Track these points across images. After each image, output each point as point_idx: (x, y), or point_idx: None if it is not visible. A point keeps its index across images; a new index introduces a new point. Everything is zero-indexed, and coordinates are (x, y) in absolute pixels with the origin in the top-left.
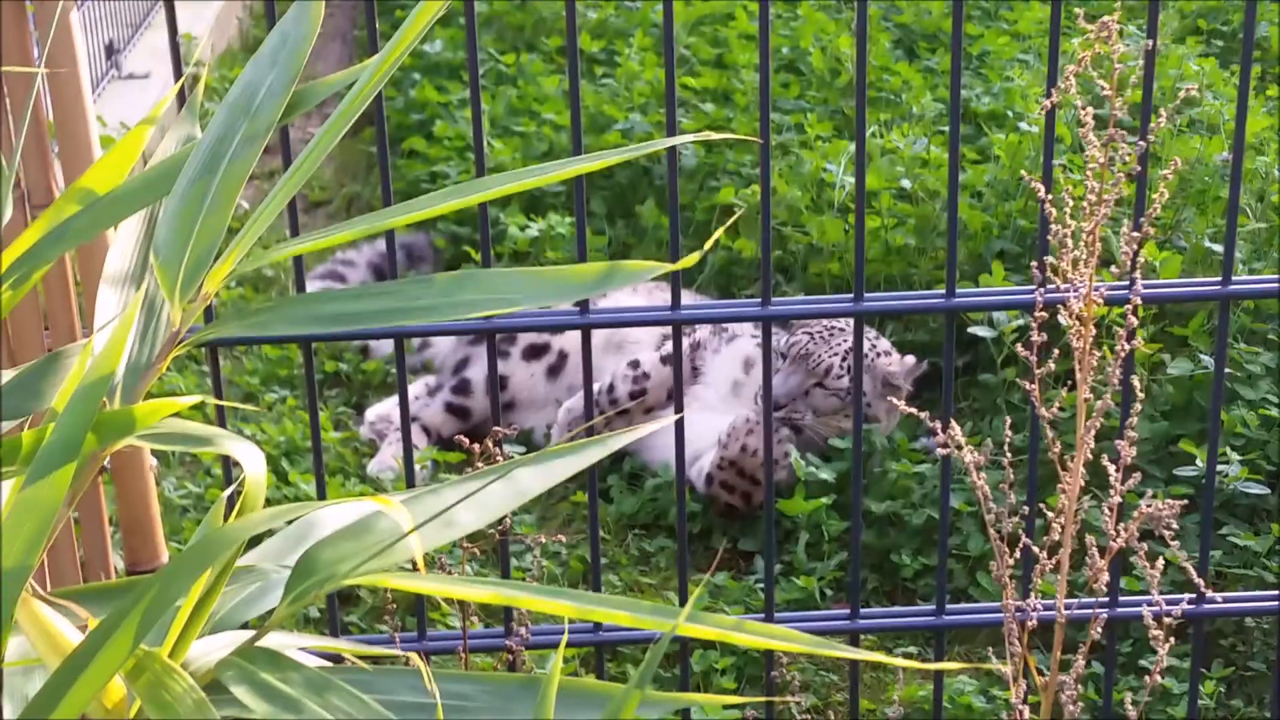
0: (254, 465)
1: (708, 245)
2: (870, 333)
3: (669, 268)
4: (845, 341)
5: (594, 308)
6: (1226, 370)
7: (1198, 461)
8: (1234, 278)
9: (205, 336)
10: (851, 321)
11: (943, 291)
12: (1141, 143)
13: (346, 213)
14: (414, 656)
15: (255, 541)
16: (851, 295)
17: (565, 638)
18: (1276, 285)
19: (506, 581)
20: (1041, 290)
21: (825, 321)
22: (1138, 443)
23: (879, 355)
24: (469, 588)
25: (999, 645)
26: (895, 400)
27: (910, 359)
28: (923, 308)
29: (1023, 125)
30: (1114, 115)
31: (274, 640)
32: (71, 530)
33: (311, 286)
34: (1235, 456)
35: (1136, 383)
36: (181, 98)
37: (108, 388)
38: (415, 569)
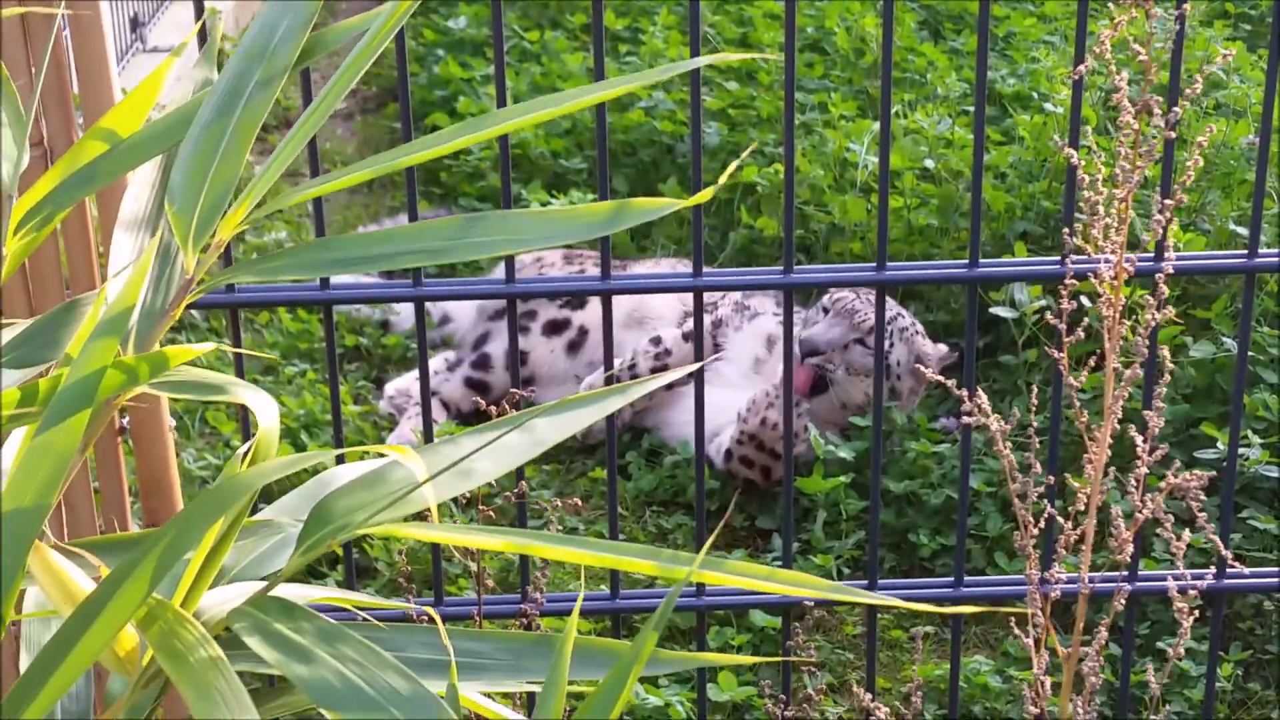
0: (268, 415)
1: (728, 173)
2: (908, 315)
3: (685, 203)
4: (890, 310)
5: (615, 274)
6: (1249, 354)
7: (1219, 444)
8: (1260, 251)
9: (219, 282)
10: (891, 301)
11: (966, 262)
12: (1174, 110)
13: (369, 189)
14: (430, 611)
15: (273, 498)
16: (874, 265)
17: (580, 598)
18: None
19: (520, 530)
20: (1070, 259)
21: (864, 291)
22: (1159, 425)
23: (917, 333)
24: (483, 536)
25: (1018, 626)
26: (922, 369)
27: (943, 347)
28: (945, 278)
29: (1048, 106)
30: (1148, 81)
31: (288, 592)
32: (90, 493)
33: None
34: (1256, 440)
35: (1165, 352)
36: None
37: (123, 331)
38: (432, 520)
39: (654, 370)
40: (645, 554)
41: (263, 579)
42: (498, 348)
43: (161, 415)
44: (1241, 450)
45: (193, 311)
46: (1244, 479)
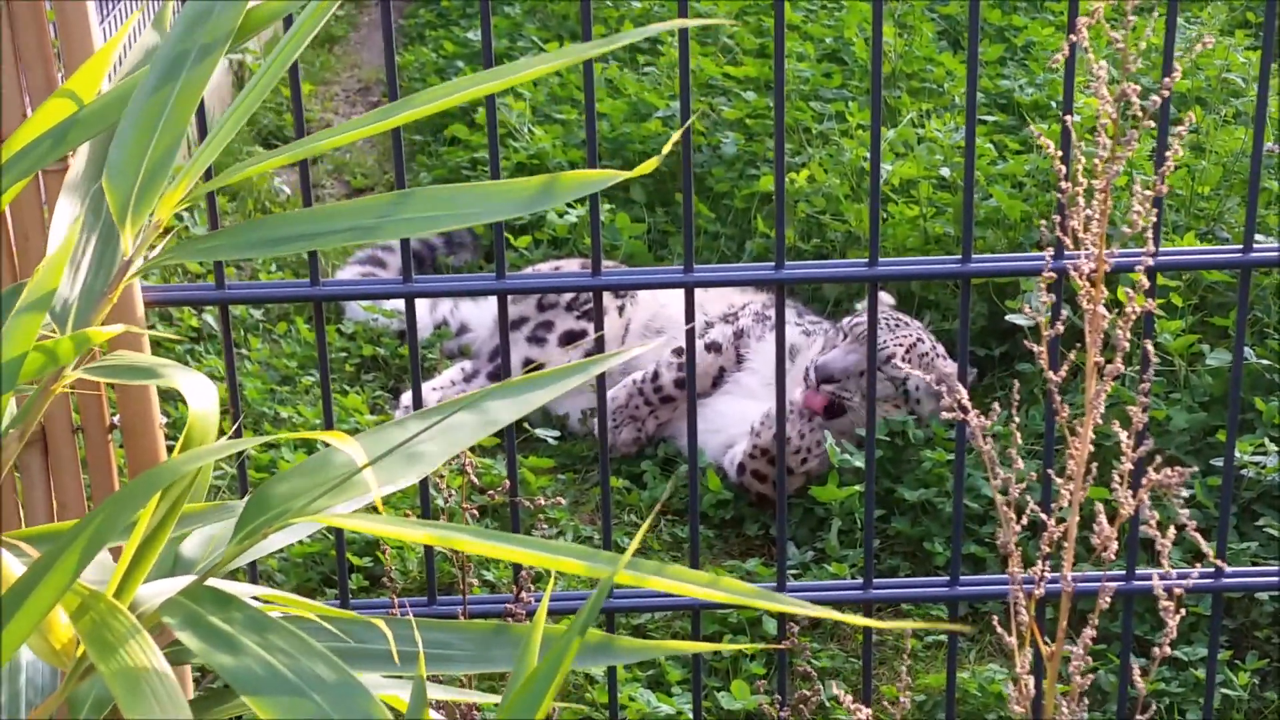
0: (201, 400)
1: (668, 147)
2: (929, 339)
3: (625, 175)
4: (910, 335)
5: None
6: (1265, 362)
7: (1237, 452)
8: (1255, 245)
9: (158, 263)
10: (917, 324)
11: (958, 256)
12: (1164, 92)
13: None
14: (377, 621)
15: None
16: (866, 261)
17: (548, 594)
18: None
19: (444, 524)
20: (1060, 252)
21: (889, 311)
22: (1176, 434)
23: (938, 356)
24: (405, 528)
25: (1002, 625)
26: (942, 389)
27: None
28: (937, 273)
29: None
30: (1126, 70)
31: (233, 586)
32: (81, 490)
33: (350, 272)
34: (1274, 448)
35: (1149, 345)
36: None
37: (43, 316)
38: (415, 512)
39: (677, 382)
40: (572, 553)
41: (231, 570)
42: (515, 359)
43: (151, 412)
44: (1258, 458)
45: (208, 318)
46: (1260, 487)
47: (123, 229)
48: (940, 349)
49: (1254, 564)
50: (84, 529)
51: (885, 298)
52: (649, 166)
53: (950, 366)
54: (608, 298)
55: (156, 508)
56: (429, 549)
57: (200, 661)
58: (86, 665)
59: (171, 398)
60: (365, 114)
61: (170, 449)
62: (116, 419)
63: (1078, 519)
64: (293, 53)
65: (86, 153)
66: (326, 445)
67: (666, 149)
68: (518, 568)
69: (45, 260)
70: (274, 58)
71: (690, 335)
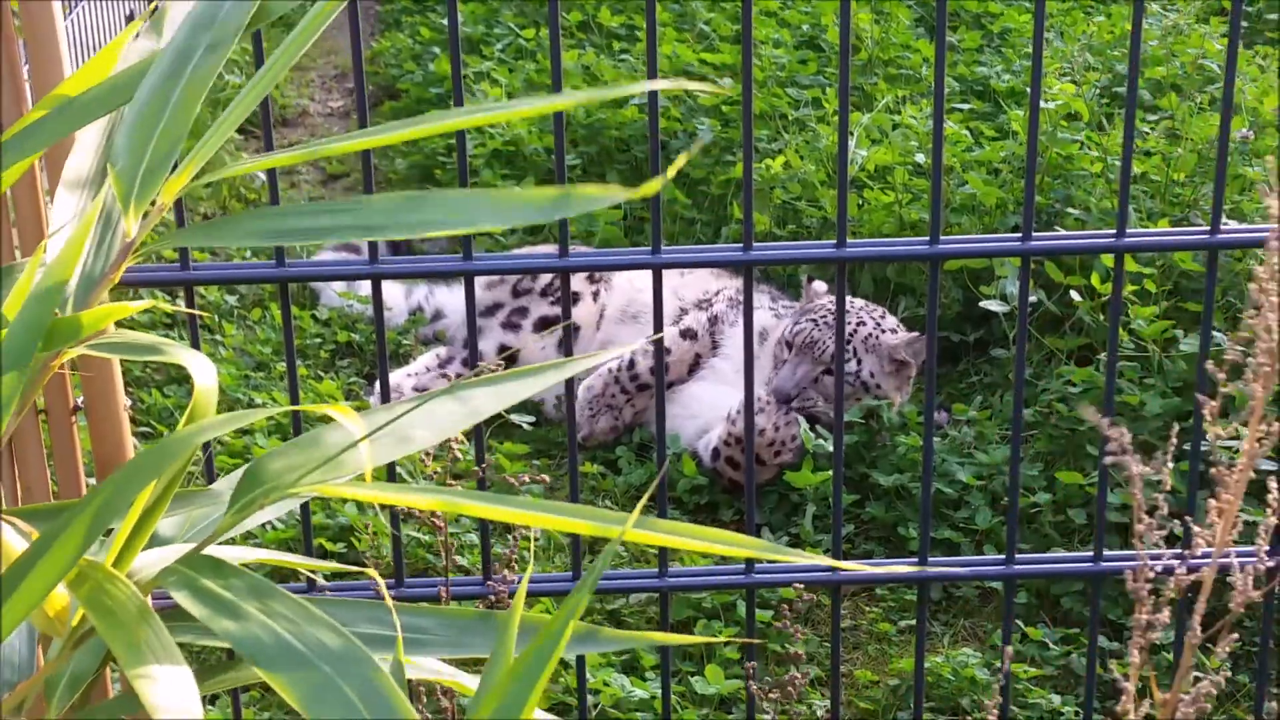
0: (203, 376)
1: (675, 167)
2: (876, 311)
3: (632, 193)
4: (850, 325)
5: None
6: (1241, 350)
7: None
8: (1222, 227)
9: (161, 246)
10: (859, 302)
11: (926, 238)
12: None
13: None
14: (361, 574)
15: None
16: (834, 243)
17: (528, 576)
18: (1265, 235)
19: (449, 489)
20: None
21: (830, 306)
22: (1149, 419)
23: (884, 333)
24: (409, 495)
25: (999, 619)
26: (904, 360)
27: (913, 334)
28: (906, 254)
29: (1042, 103)
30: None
31: (225, 553)
32: (45, 471)
33: (325, 256)
34: (1246, 432)
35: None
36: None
37: (60, 296)
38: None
39: (653, 370)
40: (577, 513)
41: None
42: (489, 345)
43: (116, 394)
44: (1233, 443)
45: (181, 302)
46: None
47: (127, 212)
48: (885, 321)
49: None
50: (89, 503)
51: (818, 286)
52: (653, 188)
53: (896, 337)
54: (583, 284)
55: (155, 482)
56: (396, 534)
57: (199, 630)
58: (82, 633)
59: (133, 383)
60: (335, 136)
61: (138, 434)
62: (80, 400)
63: (1050, 502)
64: (297, 51)
65: (88, 138)
66: (324, 422)
67: (672, 170)
68: (487, 552)
69: (61, 241)
70: (276, 57)
71: (658, 315)
